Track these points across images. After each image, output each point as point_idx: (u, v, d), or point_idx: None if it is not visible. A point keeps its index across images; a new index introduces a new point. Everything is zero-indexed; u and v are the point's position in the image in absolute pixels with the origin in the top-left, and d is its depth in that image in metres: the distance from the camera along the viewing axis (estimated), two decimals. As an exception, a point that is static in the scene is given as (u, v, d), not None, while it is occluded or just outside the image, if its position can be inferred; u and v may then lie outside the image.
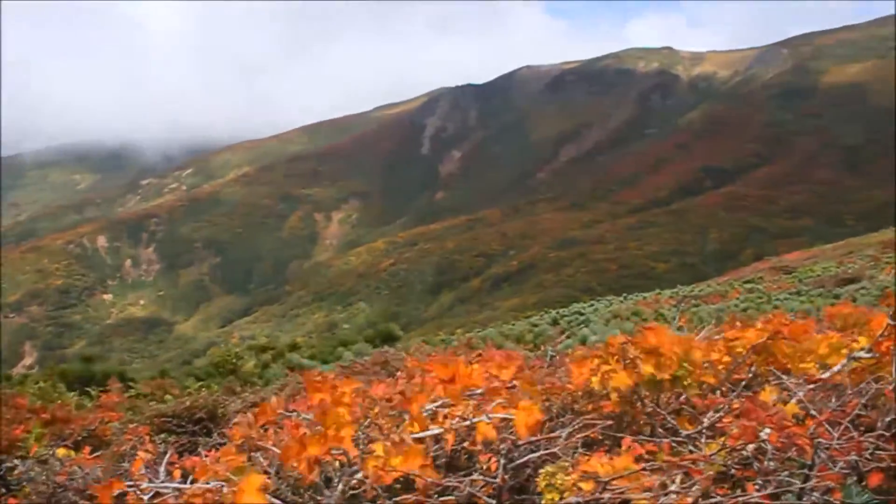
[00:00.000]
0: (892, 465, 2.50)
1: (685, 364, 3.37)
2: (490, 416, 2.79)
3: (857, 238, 60.41)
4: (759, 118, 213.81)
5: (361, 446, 2.86)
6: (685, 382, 3.37)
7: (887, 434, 2.51)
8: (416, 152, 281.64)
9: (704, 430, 2.95)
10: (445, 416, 2.89)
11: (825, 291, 25.03)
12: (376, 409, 3.08)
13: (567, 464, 2.77)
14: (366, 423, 3.14)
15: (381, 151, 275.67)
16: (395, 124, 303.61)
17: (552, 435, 3.09)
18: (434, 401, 3.19)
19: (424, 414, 3.04)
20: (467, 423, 2.83)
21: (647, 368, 3.13)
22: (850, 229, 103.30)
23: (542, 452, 3.01)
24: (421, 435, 2.84)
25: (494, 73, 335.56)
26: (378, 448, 2.65)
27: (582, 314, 29.60)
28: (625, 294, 39.53)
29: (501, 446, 2.96)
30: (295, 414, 3.35)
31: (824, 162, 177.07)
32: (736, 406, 2.92)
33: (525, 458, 3.02)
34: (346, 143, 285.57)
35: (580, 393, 3.72)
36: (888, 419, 2.57)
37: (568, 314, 29.44)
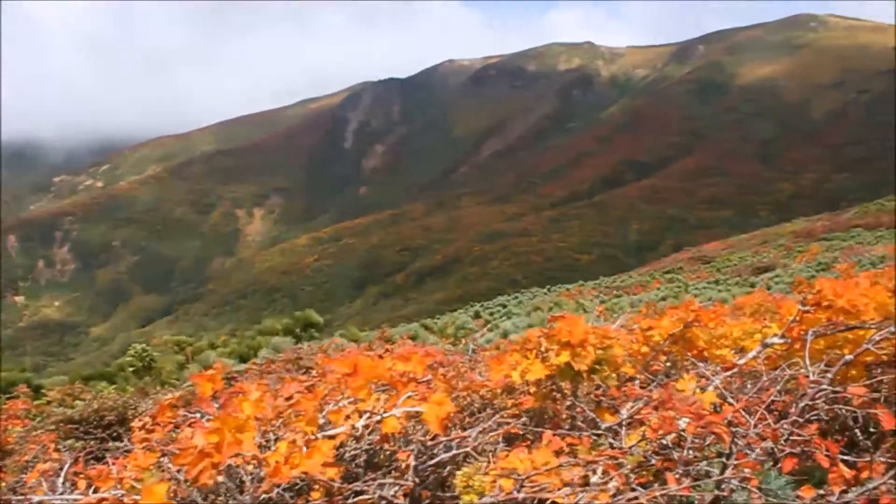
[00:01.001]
0: (807, 449, 2.47)
1: (605, 354, 3.31)
2: (399, 410, 2.66)
3: (771, 228, 62.22)
4: (678, 113, 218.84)
5: (273, 448, 2.71)
6: (604, 373, 3.31)
7: (801, 420, 2.48)
8: (339, 147, 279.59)
9: (624, 422, 2.89)
10: (348, 416, 2.76)
11: (742, 280, 25.66)
12: (288, 409, 2.94)
13: (483, 464, 2.67)
14: (277, 423, 3.00)
15: (304, 147, 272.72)
16: (318, 119, 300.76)
17: (463, 434, 2.98)
18: (345, 397, 3.06)
19: (343, 410, 2.90)
20: (376, 418, 2.70)
21: (562, 360, 3.05)
22: (765, 220, 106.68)
23: (454, 451, 2.90)
24: (332, 432, 2.71)
25: (416, 68, 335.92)
26: (281, 447, 2.50)
27: (505, 306, 29.74)
28: (548, 286, 39.88)
29: (411, 447, 2.85)
30: (198, 415, 3.18)
31: (740, 155, 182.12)
32: (655, 396, 2.87)
33: (439, 458, 2.91)
34: (267, 139, 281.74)
35: (499, 389, 3.64)
36: (802, 405, 2.54)
37: (492, 307, 29.57)
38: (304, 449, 2.47)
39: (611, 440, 2.76)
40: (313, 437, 2.65)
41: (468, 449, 2.87)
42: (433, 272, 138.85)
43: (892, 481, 2.39)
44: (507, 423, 3.37)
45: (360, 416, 2.81)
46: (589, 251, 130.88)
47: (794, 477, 2.70)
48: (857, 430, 3.18)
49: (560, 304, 21.66)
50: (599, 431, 2.89)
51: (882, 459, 2.48)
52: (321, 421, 2.84)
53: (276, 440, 2.82)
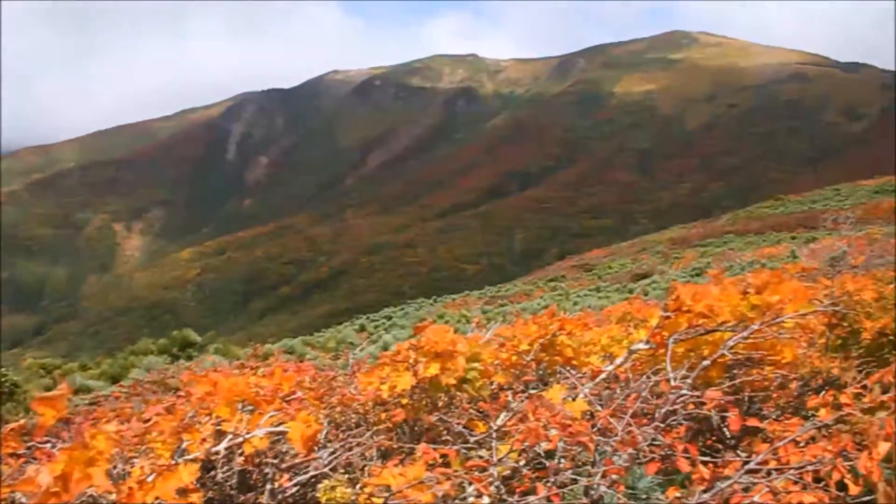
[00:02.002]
0: (670, 452, 2.52)
1: (474, 365, 3.30)
2: (262, 431, 2.57)
3: (649, 236, 64.24)
4: (559, 124, 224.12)
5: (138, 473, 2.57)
6: (476, 384, 3.30)
7: (662, 425, 2.53)
8: (221, 158, 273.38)
9: (494, 433, 2.88)
10: (204, 438, 2.65)
11: (621, 287, 26.40)
12: (145, 433, 2.80)
13: (344, 477, 2.61)
14: (142, 448, 2.86)
15: (184, 158, 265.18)
16: (198, 130, 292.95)
17: (314, 456, 2.90)
18: (213, 418, 2.94)
19: (200, 431, 2.78)
20: (239, 439, 2.60)
21: (431, 372, 3.02)
22: (644, 227, 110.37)
23: (313, 473, 2.82)
24: (189, 457, 2.59)
25: (298, 75, 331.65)
26: (135, 472, 2.37)
27: (391, 318, 29.67)
28: (435, 297, 40.03)
29: (266, 470, 2.76)
30: (49, 445, 3.00)
31: (619, 165, 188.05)
32: (524, 406, 2.87)
33: (299, 479, 2.83)
34: (144, 150, 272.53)
35: (370, 403, 3.58)
36: (664, 410, 2.60)
37: (378, 319, 29.45)
38: (158, 474, 2.35)
39: (479, 453, 2.75)
40: (173, 461, 2.53)
41: (325, 469, 2.80)
42: (319, 285, 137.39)
43: (743, 479, 2.46)
44: (380, 438, 3.32)
45: (223, 437, 2.71)
46: (475, 261, 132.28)
47: (666, 478, 2.76)
48: (725, 430, 3.28)
49: (443, 315, 21.76)
50: (468, 445, 2.87)
51: (734, 458, 2.55)
52: (185, 444, 2.72)
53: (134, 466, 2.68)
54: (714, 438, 3.38)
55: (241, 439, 2.60)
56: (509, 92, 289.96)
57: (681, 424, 2.73)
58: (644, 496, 2.84)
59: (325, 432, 3.31)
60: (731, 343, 2.97)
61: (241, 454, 2.88)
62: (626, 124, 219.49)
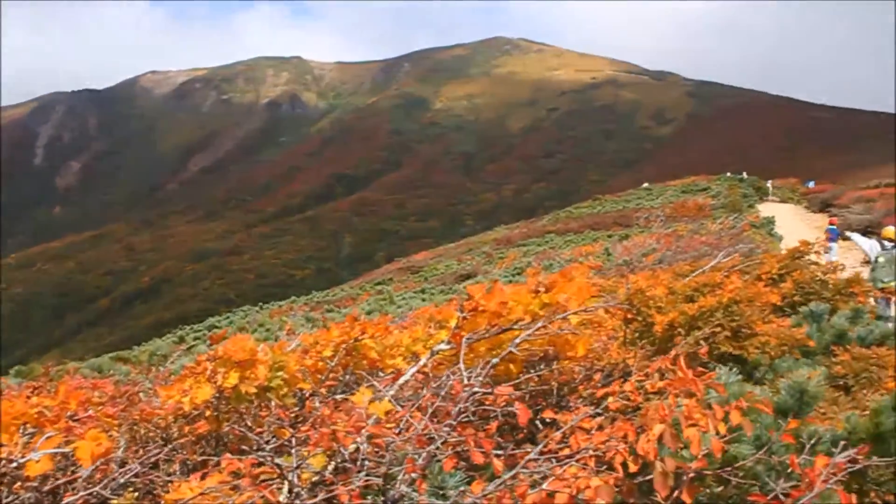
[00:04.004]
0: (465, 449, 2.59)
1: (278, 373, 3.27)
2: (40, 453, 2.44)
3: (475, 237, 65.59)
4: (385, 127, 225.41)
5: None
6: (280, 392, 3.27)
7: (454, 422, 2.61)
8: (28, 163, 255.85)
9: (294, 440, 2.86)
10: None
11: (446, 288, 26.84)
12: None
13: (134, 495, 2.52)
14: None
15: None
16: (2, 132, 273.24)
17: (110, 474, 2.79)
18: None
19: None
20: (14, 464, 2.45)
21: (231, 382, 2.97)
22: (471, 229, 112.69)
23: (99, 489, 2.71)
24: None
25: (109, 73, 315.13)
26: None
27: (218, 327, 28.82)
28: (261, 304, 39.18)
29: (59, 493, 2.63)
30: None
31: (445, 168, 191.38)
32: (327, 412, 2.87)
33: (100, 494, 2.71)
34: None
35: (172, 417, 3.47)
36: (457, 407, 2.67)
37: (201, 329, 28.54)
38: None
39: (277, 460, 2.72)
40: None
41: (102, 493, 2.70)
42: (141, 295, 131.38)
43: (541, 468, 2.56)
44: (184, 452, 3.23)
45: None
46: (303, 266, 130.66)
47: (473, 473, 2.83)
48: (538, 424, 3.40)
49: (264, 324, 21.40)
50: (265, 453, 2.84)
51: (531, 449, 2.66)
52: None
53: None
54: (525, 433, 3.50)
55: (14, 464, 2.45)
56: (334, 95, 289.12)
57: (470, 421, 2.82)
58: (450, 492, 2.91)
59: (121, 449, 3.18)
60: (517, 340, 3.10)
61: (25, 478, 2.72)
62: (451, 128, 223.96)
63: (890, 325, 5.67)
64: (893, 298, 13.06)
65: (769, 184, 59.36)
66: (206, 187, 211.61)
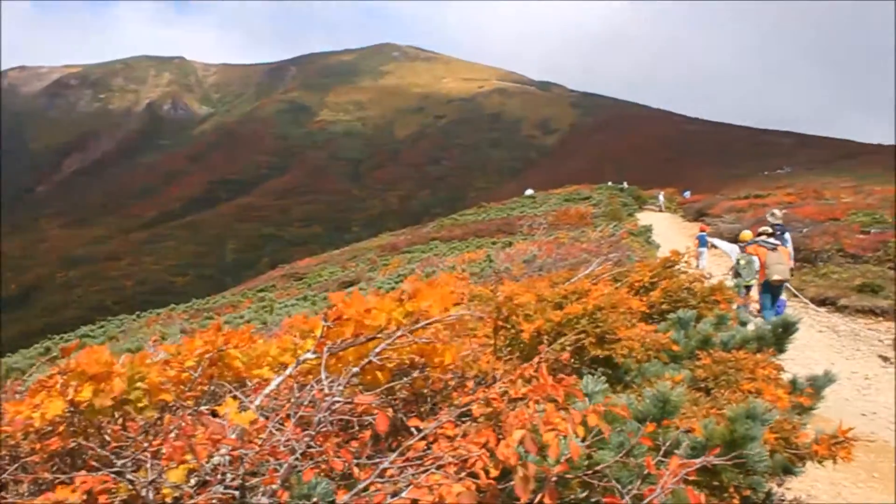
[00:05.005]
0: (325, 458, 2.57)
1: (138, 385, 3.16)
2: None
3: (360, 243, 65.35)
4: (271, 132, 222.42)
5: None
6: (139, 404, 3.16)
7: (314, 432, 2.59)
8: None
9: (148, 453, 2.76)
10: None
11: (329, 295, 26.53)
12: None
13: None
14: None
15: None
16: None
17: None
18: None
19: None
20: None
21: (84, 396, 2.85)
22: (357, 235, 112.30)
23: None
24: None
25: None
26: None
27: (92, 336, 27.74)
28: (139, 312, 37.90)
29: None
30: None
31: (332, 174, 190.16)
32: (186, 424, 2.79)
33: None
34: None
35: (21, 434, 3.30)
36: (318, 417, 2.65)
37: (73, 338, 27.38)
38: None
39: (130, 476, 2.62)
40: None
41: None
42: (9, 304, 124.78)
43: (381, 479, 2.57)
44: (32, 472, 3.08)
45: None
46: (184, 272, 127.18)
47: (342, 483, 2.81)
48: (414, 432, 3.40)
49: (137, 334, 20.70)
50: (118, 468, 2.74)
51: (397, 457, 2.66)
52: None
53: None
54: (396, 442, 3.50)
55: None
56: (219, 97, 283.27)
57: (341, 430, 2.80)
58: (316, 501, 2.88)
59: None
60: (377, 349, 3.10)
61: None
62: (339, 134, 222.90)
63: (750, 328, 5.98)
64: (751, 305, 13.89)
65: (661, 195, 61.55)
66: (82, 190, 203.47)
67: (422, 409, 3.78)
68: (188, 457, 2.54)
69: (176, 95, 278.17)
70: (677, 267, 7.49)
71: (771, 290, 13.65)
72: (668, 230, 36.89)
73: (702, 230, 25.73)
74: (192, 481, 2.82)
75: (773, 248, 13.63)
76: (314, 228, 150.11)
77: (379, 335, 3.14)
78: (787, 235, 15.08)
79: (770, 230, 14.33)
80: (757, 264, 13.90)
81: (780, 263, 13.51)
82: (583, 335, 4.66)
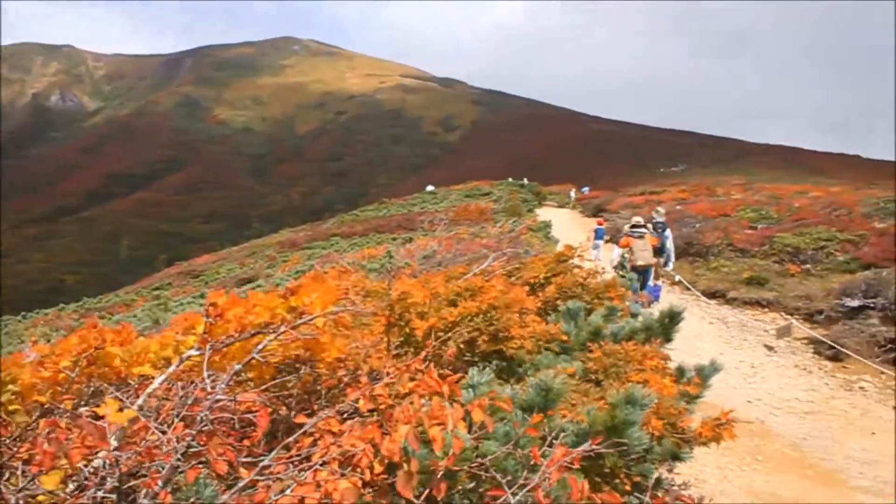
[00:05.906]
0: (207, 457, 2.53)
1: (10, 387, 3.04)
2: None
3: (259, 240, 64.45)
4: (168, 125, 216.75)
5: None
6: (10, 407, 3.04)
7: (195, 432, 2.53)
8: None
9: (19, 458, 2.66)
10: None
11: (208, 294, 25.96)
12: None
13: None
14: None
15: None
16: None
17: None
18: None
19: None
20: None
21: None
22: (258, 232, 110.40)
23: None
24: None
25: None
26: None
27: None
28: (26, 312, 36.31)
29: None
30: None
31: (233, 169, 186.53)
32: (61, 427, 2.69)
33: None
34: None
35: None
36: (200, 415, 2.60)
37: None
38: None
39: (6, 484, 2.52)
40: None
41: None
42: None
43: (261, 476, 2.54)
44: None
45: None
46: (76, 271, 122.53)
47: (230, 482, 2.76)
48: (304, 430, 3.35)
49: (15, 333, 19.90)
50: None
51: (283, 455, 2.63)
52: None
53: None
54: (286, 440, 3.45)
55: None
56: (111, 89, 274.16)
57: (212, 428, 2.75)
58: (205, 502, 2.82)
59: None
60: (260, 346, 3.06)
61: None
62: (239, 129, 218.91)
63: (639, 321, 6.12)
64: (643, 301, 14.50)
65: (572, 191, 62.57)
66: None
67: (315, 407, 3.75)
68: (62, 461, 2.45)
69: (64, 86, 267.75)
70: (571, 261, 7.63)
71: (637, 273, 14.91)
72: (566, 225, 37.60)
73: (599, 224, 26.49)
74: (71, 486, 2.73)
75: (641, 237, 15.03)
76: (214, 225, 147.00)
77: (262, 331, 3.10)
78: (668, 232, 16.30)
79: (642, 221, 15.57)
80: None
81: (645, 250, 14.97)
82: (476, 332, 4.71)
